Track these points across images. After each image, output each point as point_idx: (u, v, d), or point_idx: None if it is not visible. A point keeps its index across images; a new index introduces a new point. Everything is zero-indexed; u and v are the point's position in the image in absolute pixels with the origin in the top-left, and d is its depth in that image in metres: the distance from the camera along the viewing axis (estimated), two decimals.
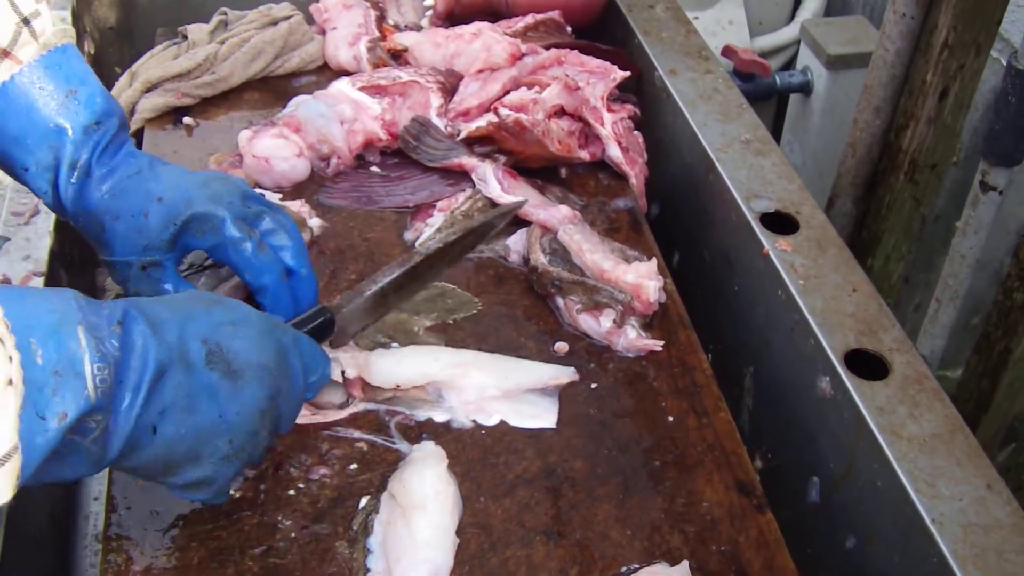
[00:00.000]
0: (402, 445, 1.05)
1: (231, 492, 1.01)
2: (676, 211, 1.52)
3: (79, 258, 1.46)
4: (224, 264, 1.11)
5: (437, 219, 1.32)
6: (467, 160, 1.35)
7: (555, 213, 1.28)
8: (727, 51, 2.42)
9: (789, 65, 2.84)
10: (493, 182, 1.32)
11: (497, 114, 1.33)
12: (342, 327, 1.07)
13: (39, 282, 1.25)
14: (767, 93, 2.47)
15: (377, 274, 1.11)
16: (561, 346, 1.18)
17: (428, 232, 1.31)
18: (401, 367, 1.10)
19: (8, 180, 1.38)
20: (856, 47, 2.33)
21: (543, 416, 1.10)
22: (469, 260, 1.30)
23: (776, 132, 2.72)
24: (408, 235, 1.34)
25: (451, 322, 1.21)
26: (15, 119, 0.99)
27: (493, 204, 1.33)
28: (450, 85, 1.48)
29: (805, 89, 2.45)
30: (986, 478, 0.96)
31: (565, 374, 1.14)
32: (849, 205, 1.76)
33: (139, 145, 1.53)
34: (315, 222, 1.33)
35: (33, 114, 0.99)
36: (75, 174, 1.02)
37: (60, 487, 1.24)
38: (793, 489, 1.17)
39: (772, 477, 1.10)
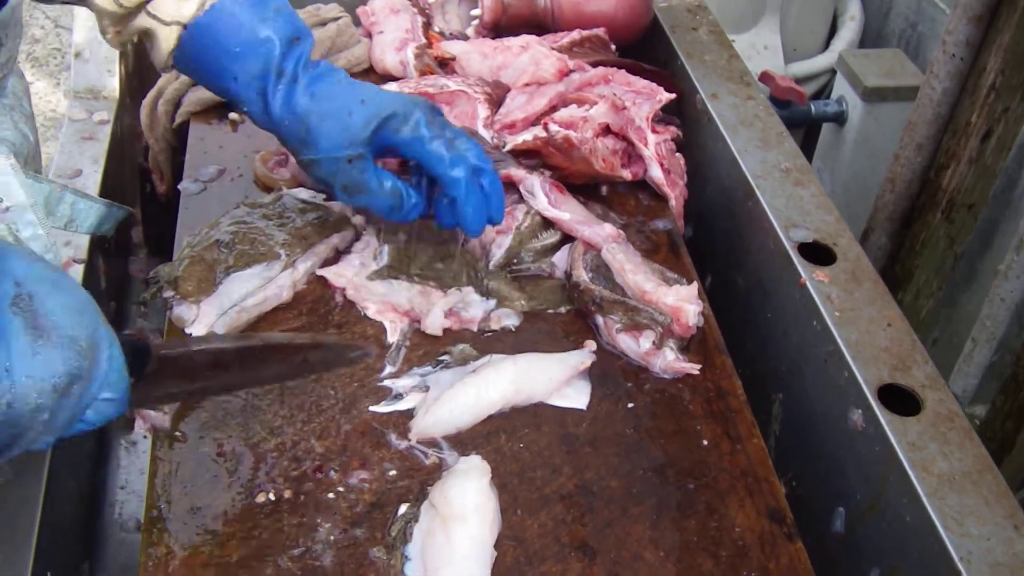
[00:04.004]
0: (449, 456, 1.06)
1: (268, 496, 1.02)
2: (711, 234, 1.53)
3: (115, 246, 1.48)
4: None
5: None
6: (515, 172, 1.36)
7: (600, 231, 1.29)
8: (764, 77, 2.43)
9: (821, 93, 2.84)
10: (540, 195, 1.32)
11: (547, 129, 1.34)
12: (152, 377, 0.91)
13: (79, 268, 1.26)
14: (801, 121, 2.47)
15: (212, 336, 1.08)
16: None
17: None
18: (457, 414, 1.10)
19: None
20: (893, 80, 2.34)
21: (577, 399, 1.15)
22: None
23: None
24: None
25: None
26: (228, 32, 1.10)
27: (544, 219, 1.33)
28: (497, 96, 1.49)
29: (839, 119, 2.45)
30: (1014, 519, 0.97)
31: (586, 357, 1.19)
32: (884, 239, 1.77)
33: (185, 137, 1.55)
34: (358, 219, 1.34)
35: (244, 28, 1.10)
36: (282, 81, 1.13)
37: (87, 477, 1.25)
38: (817, 517, 1.18)
39: (796, 504, 1.11)
